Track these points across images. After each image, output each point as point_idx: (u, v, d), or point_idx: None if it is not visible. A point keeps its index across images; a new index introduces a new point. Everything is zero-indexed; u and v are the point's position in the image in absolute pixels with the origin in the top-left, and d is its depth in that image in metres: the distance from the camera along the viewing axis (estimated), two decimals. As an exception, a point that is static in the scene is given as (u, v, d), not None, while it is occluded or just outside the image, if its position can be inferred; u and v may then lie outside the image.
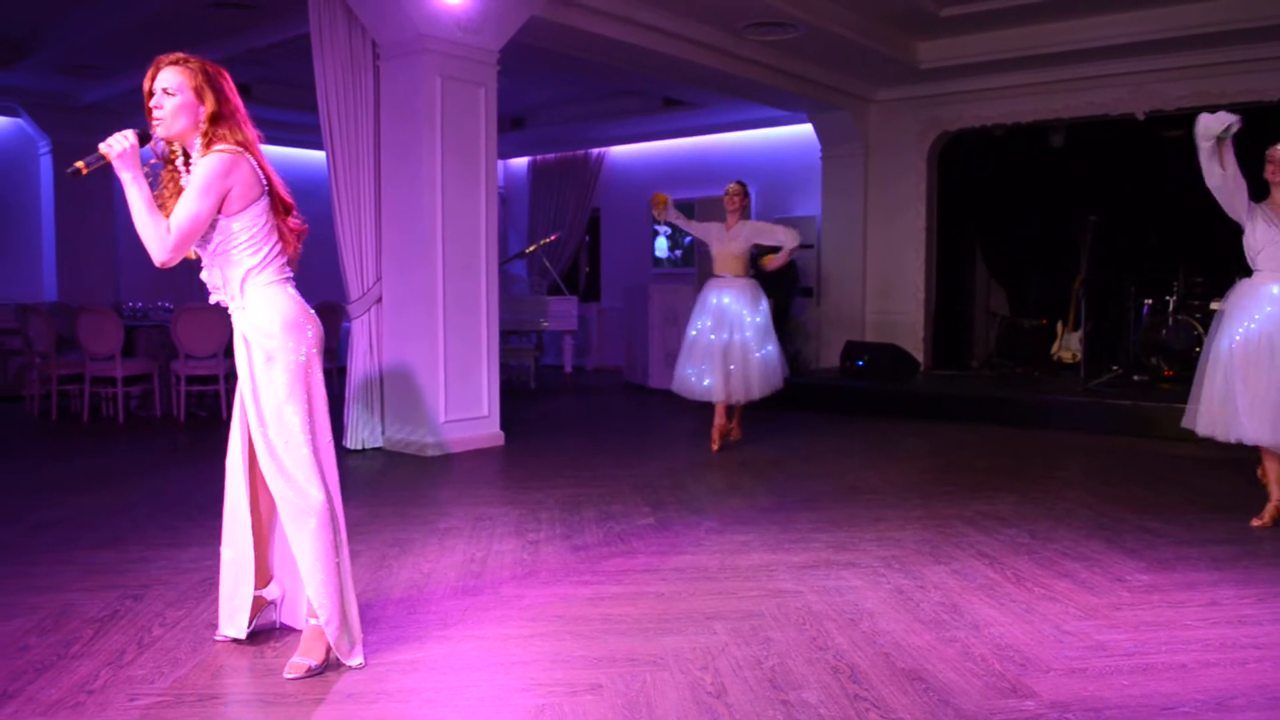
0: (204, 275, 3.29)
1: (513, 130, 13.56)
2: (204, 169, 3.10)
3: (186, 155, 3.22)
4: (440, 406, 7.25)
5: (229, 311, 3.32)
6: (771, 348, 7.57)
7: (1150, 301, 10.20)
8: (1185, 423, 5.59)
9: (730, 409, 7.65)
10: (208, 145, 3.16)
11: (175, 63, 3.20)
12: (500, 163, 15.35)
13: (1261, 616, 3.79)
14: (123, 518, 5.31)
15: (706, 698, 3.00)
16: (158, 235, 3.04)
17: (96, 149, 3.08)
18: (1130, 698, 3.02)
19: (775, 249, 7.56)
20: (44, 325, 9.15)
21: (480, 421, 7.54)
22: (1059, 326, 11.24)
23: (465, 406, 7.43)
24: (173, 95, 3.16)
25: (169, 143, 3.24)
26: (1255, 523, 5.29)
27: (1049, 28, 9.63)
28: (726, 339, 7.34)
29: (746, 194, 7.63)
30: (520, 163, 15.41)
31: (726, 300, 7.42)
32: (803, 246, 12.40)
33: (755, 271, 7.64)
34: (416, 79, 7.17)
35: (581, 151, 14.48)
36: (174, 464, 7.01)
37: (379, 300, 7.47)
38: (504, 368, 11.64)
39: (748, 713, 2.90)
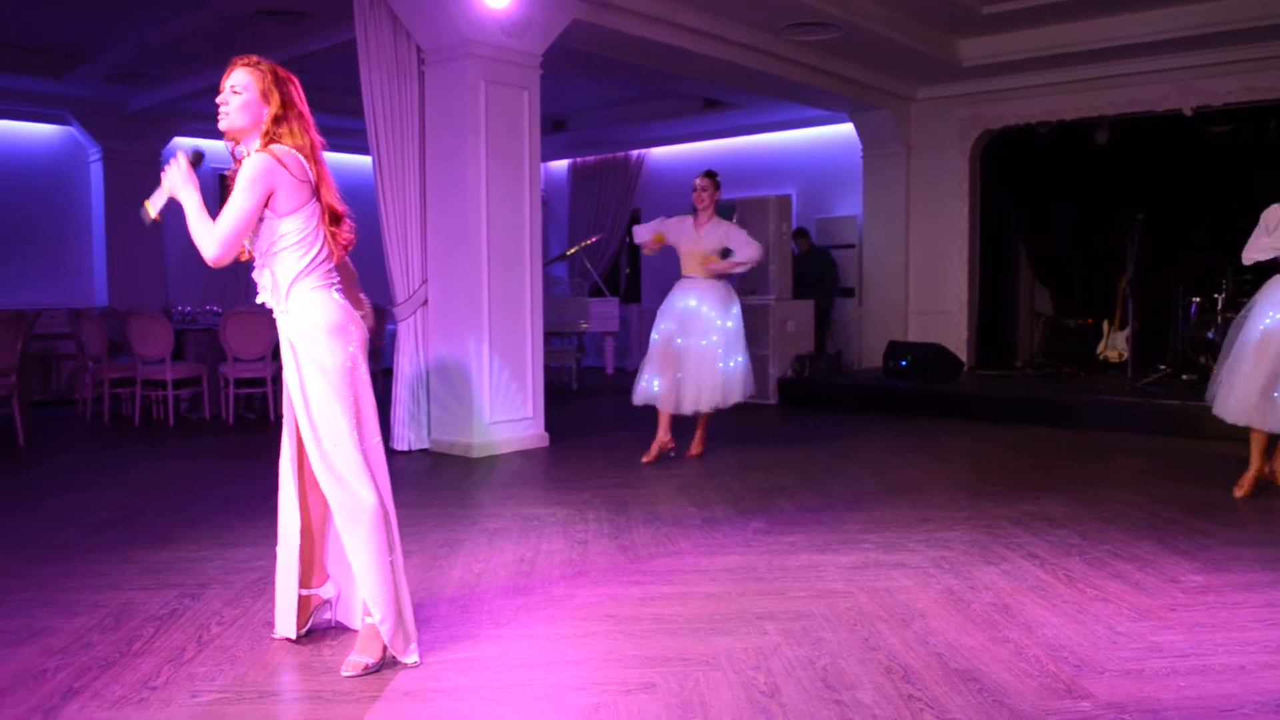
0: (255, 274, 3.38)
1: (553, 133, 13.62)
2: (248, 168, 3.21)
3: None
4: (486, 408, 7.31)
5: (274, 315, 3.38)
6: (740, 358, 6.98)
7: (1198, 300, 10.06)
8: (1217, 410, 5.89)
9: (692, 419, 7.20)
10: (265, 145, 3.28)
11: (248, 64, 3.37)
12: (541, 165, 15.40)
13: (1320, 618, 3.75)
14: (178, 518, 5.41)
15: (760, 697, 3.01)
16: (207, 233, 3.16)
17: (160, 185, 3.29)
18: (1188, 699, 3.00)
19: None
20: (96, 330, 9.31)
21: (525, 423, 7.59)
22: (1105, 326, 11.11)
23: (510, 408, 7.48)
24: (239, 94, 3.32)
25: (235, 141, 3.40)
26: (1238, 492, 5.81)
27: (1092, 24, 9.52)
28: (685, 344, 6.82)
29: (718, 187, 7.03)
30: (560, 165, 15.47)
31: (693, 303, 6.89)
32: (846, 246, 12.51)
33: None
34: (461, 83, 7.23)
35: (621, 153, 14.51)
36: (225, 465, 7.11)
37: (425, 303, 7.54)
38: (546, 369, 11.68)
39: (802, 712, 2.90)
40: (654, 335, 7.00)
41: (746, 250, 6.95)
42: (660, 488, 6.19)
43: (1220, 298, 9.78)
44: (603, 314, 12.08)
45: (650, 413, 7.13)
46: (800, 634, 3.56)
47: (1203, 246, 10.43)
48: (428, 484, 6.46)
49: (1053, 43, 9.83)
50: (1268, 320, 5.69)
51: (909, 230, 11.78)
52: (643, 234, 7.15)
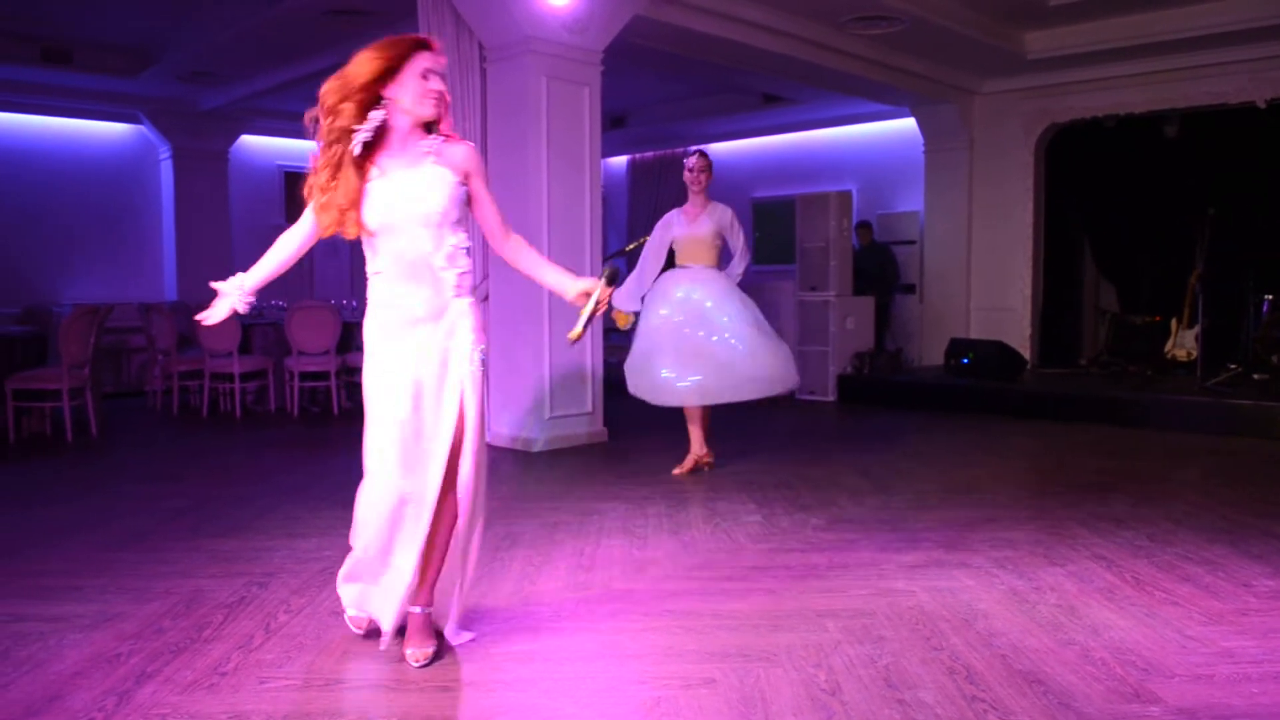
0: (406, 286, 3.22)
1: (613, 129, 13.64)
2: (479, 159, 3.33)
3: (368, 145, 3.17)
4: (546, 403, 7.35)
5: (416, 323, 3.21)
6: (764, 344, 6.10)
7: (1270, 297, 9.79)
8: None
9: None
10: (448, 136, 3.28)
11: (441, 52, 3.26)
12: (600, 161, 15.44)
13: (1400, 625, 3.64)
14: (245, 508, 5.52)
15: (821, 694, 3.00)
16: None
17: (580, 314, 3.28)
18: (1260, 706, 2.93)
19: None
20: (165, 324, 9.53)
21: (585, 418, 7.63)
22: (1173, 324, 10.85)
23: (570, 403, 7.52)
24: (444, 83, 3.23)
25: (428, 130, 3.25)
26: None
27: (1161, 14, 9.33)
28: (703, 337, 6.05)
29: (710, 169, 6.32)
30: (619, 161, 15.49)
31: (697, 295, 6.14)
32: (906, 242, 12.37)
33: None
34: (522, 80, 7.27)
35: (680, 149, 14.48)
36: (289, 457, 7.24)
37: (485, 298, 7.60)
38: (605, 364, 11.70)
39: (863, 711, 2.89)
40: (653, 322, 6.20)
41: (741, 264, 6.41)
42: (719, 484, 6.18)
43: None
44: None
45: (709, 407, 6.65)
46: (861, 632, 3.53)
47: (1275, 243, 10.16)
48: (489, 477, 6.50)
49: (1121, 34, 9.65)
50: None
51: (971, 225, 11.63)
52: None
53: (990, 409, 9.42)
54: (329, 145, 3.13)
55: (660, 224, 6.44)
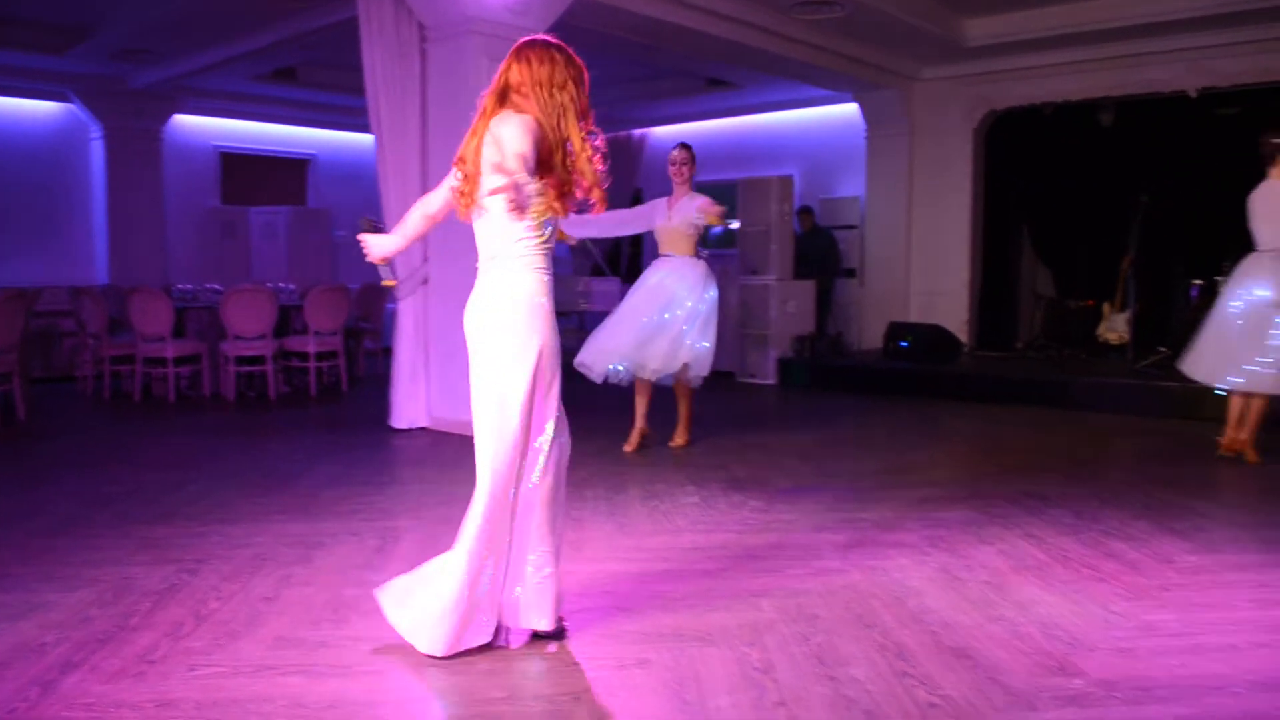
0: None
1: (555, 112, 13.56)
2: None
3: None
4: (485, 386, 7.31)
5: (540, 305, 3.23)
6: (703, 344, 6.51)
7: (1200, 283, 10.02)
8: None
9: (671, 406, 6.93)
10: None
11: None
12: (542, 144, 15.35)
13: (1314, 599, 3.76)
14: (177, 494, 5.43)
15: (754, 673, 3.03)
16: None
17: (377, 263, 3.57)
18: (1179, 678, 3.02)
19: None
20: (96, 307, 9.33)
21: (525, 401, 7.59)
22: (1105, 308, 11.09)
23: (511, 386, 7.47)
24: None
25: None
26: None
27: (1097, 4, 9.49)
28: (649, 321, 6.42)
29: (694, 161, 6.65)
30: (563, 144, 15.41)
31: (661, 278, 6.55)
32: (847, 226, 12.47)
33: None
34: (463, 61, 7.21)
35: (624, 132, 14.48)
36: (224, 443, 7.13)
37: (425, 281, 7.54)
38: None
39: (795, 688, 2.93)
40: (624, 306, 6.61)
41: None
42: (658, 466, 6.21)
43: (1222, 281, 9.76)
44: (604, 293, 12.09)
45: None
46: (795, 611, 3.58)
47: (1205, 229, 10.40)
48: (427, 461, 6.49)
49: (1058, 22, 9.79)
50: (1255, 293, 6.24)
51: (911, 211, 11.76)
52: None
53: (928, 392, 9.56)
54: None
55: (652, 204, 6.80)
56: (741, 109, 13.17)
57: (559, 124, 3.08)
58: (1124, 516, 4.95)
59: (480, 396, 3.22)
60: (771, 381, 10.44)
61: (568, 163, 3.14)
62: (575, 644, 3.28)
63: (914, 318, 11.40)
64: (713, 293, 6.62)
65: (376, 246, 3.46)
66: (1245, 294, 6.30)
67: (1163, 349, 10.03)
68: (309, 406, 8.94)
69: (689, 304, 6.44)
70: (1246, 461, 6.30)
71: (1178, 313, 10.31)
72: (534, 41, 3.18)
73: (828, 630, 3.39)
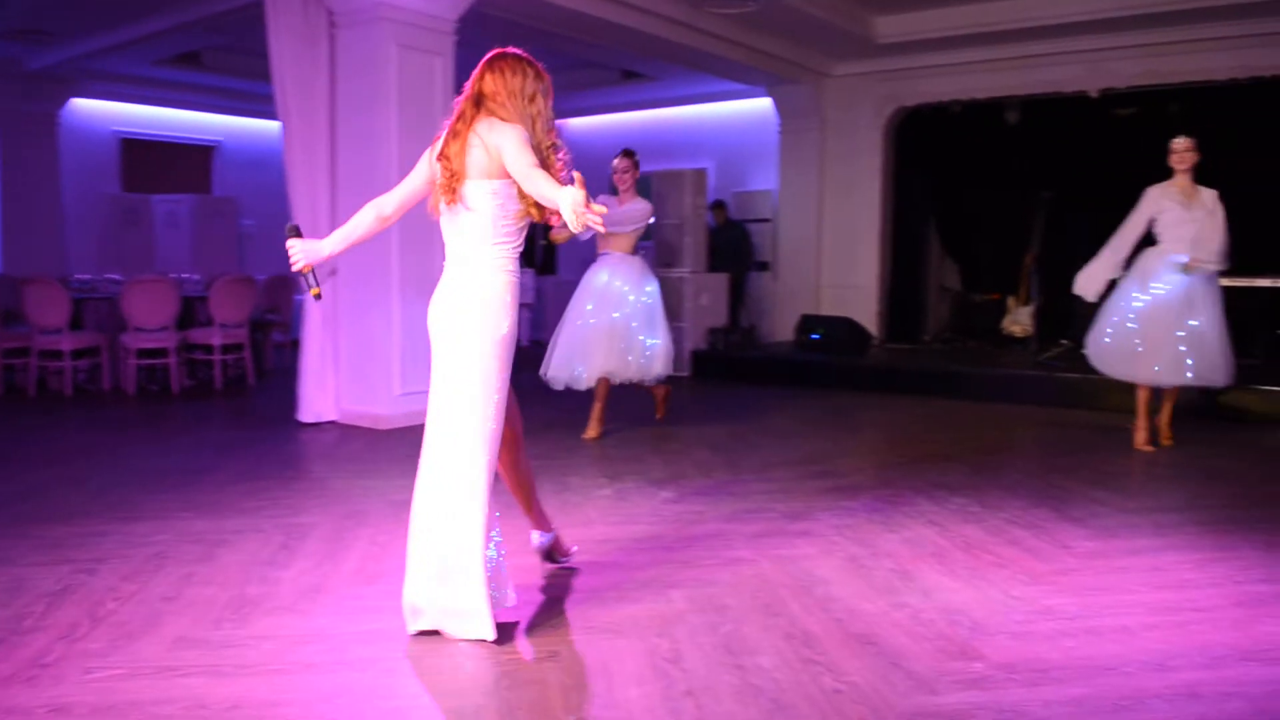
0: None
1: (469, 101, 13.43)
2: None
3: None
4: (396, 379, 7.23)
5: (517, 299, 3.46)
6: (654, 339, 6.88)
7: (1100, 277, 10.35)
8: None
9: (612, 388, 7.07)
10: None
11: None
12: (456, 134, 15.19)
13: (1202, 580, 3.92)
14: (75, 492, 5.26)
15: (663, 664, 3.05)
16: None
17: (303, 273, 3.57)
18: (1075, 659, 3.12)
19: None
20: (-11, 297, 8.99)
21: (437, 394, 7.52)
22: (1010, 301, 11.39)
23: (421, 379, 7.37)
24: None
25: None
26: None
27: (1005, 4, 9.72)
28: (597, 321, 6.73)
29: (637, 166, 6.93)
30: (476, 134, 15.28)
31: (605, 278, 6.83)
32: (761, 220, 12.60)
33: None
34: (372, 48, 7.10)
35: (539, 123, 14.37)
36: (125, 439, 6.93)
37: (333, 272, 7.42)
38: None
39: (703, 677, 2.95)
40: (573, 318, 6.86)
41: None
42: (571, 459, 6.20)
43: (1120, 276, 10.07)
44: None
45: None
46: (705, 601, 3.61)
47: (1106, 225, 10.72)
48: (335, 455, 6.39)
49: (966, 22, 10.01)
50: (1156, 289, 6.62)
51: (823, 205, 11.92)
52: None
53: (839, 383, 9.70)
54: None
55: (602, 200, 6.73)
56: (657, 101, 13.20)
57: (534, 131, 3.30)
58: (1025, 505, 5.10)
59: (481, 381, 3.36)
60: (686, 374, 10.50)
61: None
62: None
63: (825, 310, 11.56)
64: (653, 286, 6.98)
65: (307, 253, 3.45)
66: (1154, 290, 6.62)
67: (1064, 341, 10.35)
68: (214, 400, 8.73)
69: (631, 299, 6.79)
70: (1162, 444, 6.63)
71: (1079, 306, 10.62)
72: (505, 54, 3.40)
73: (736, 620, 3.43)
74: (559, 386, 6.84)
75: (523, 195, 3.27)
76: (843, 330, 10.54)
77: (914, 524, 4.72)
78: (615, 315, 6.76)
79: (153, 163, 13.36)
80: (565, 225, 3.20)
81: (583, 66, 12.20)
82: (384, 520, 4.71)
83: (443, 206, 3.35)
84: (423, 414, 7.49)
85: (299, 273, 3.49)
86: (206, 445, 6.62)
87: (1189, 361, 6.45)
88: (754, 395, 9.09)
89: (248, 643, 3.21)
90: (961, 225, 12.61)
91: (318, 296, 3.63)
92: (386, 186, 7.02)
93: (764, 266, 12.57)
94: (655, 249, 10.78)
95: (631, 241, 6.94)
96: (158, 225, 12.82)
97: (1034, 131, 11.35)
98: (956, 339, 11.53)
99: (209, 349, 9.22)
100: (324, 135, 7.33)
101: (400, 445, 6.63)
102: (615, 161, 6.91)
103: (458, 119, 3.34)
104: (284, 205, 7.29)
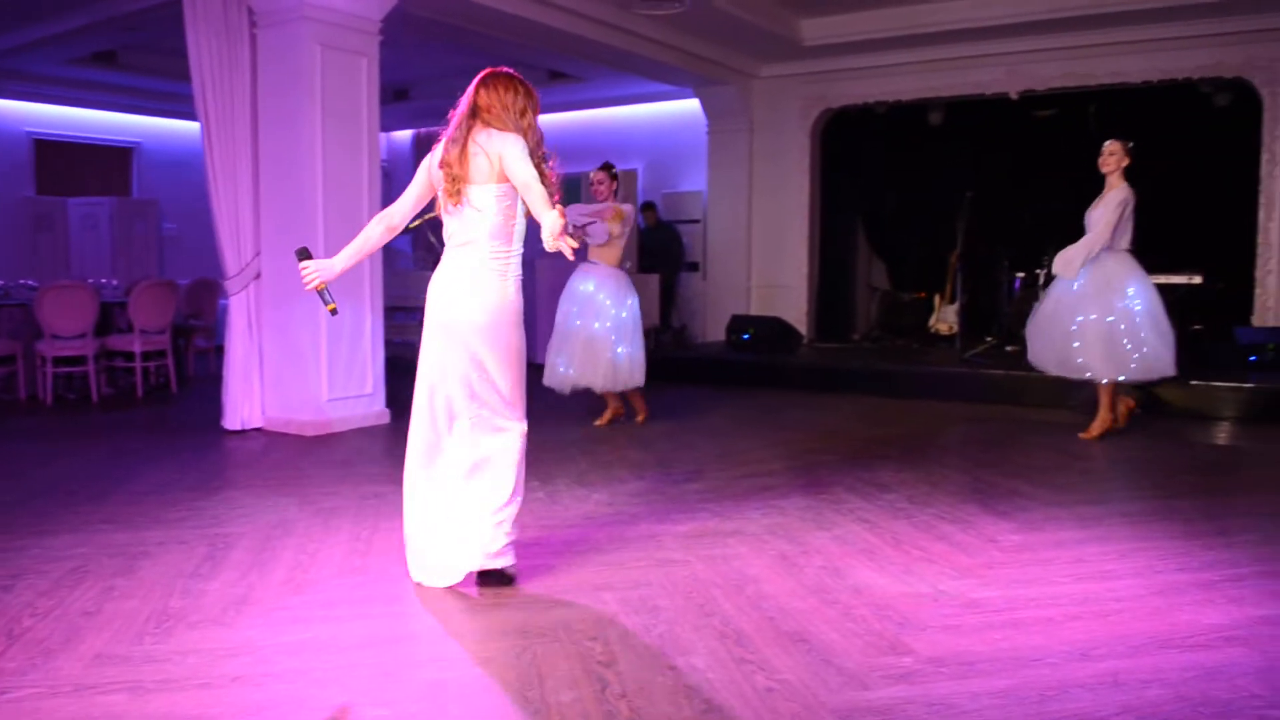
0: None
1: (395, 102, 13.31)
2: None
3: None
4: (323, 384, 7.13)
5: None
6: (629, 349, 7.20)
7: (1022, 275, 10.59)
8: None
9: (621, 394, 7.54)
10: None
11: None
12: (383, 135, 15.04)
13: (1123, 571, 4.02)
14: (-13, 505, 5.10)
15: (596, 666, 3.05)
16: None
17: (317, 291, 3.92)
18: (1001, 651, 3.18)
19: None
20: (-105, 305, 8.66)
21: (365, 399, 7.44)
22: (936, 300, 11.59)
23: (349, 384, 7.32)
24: None
25: None
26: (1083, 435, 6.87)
27: (928, 7, 9.89)
28: (581, 326, 7.11)
29: (615, 178, 7.22)
30: (404, 135, 15.15)
31: (591, 288, 7.18)
32: (691, 220, 12.65)
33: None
34: (295, 48, 6.99)
35: (467, 125, 14.28)
36: (42, 449, 6.73)
37: (258, 276, 7.29)
38: (389, 344, 11.43)
39: (637, 679, 2.95)
40: (558, 318, 7.28)
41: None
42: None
43: (1042, 273, 10.29)
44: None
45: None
46: (638, 603, 3.61)
47: (1027, 224, 10.97)
48: (261, 463, 6.27)
49: (890, 25, 10.16)
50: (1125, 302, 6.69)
51: (752, 206, 12.00)
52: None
53: (770, 383, 9.78)
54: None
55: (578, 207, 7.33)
56: (585, 103, 13.17)
57: (526, 143, 3.61)
58: (953, 500, 5.18)
59: (515, 362, 3.75)
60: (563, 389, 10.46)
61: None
62: (414, 647, 3.23)
63: (755, 311, 11.65)
64: (633, 300, 7.31)
65: (321, 272, 3.83)
66: (1105, 291, 6.68)
67: (989, 338, 10.56)
68: (135, 409, 8.51)
69: (613, 313, 7.16)
70: (1120, 426, 6.95)
71: (1002, 304, 10.85)
72: (497, 72, 3.75)
73: (669, 621, 3.44)
74: (564, 392, 7.27)
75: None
76: (773, 330, 10.62)
77: (845, 521, 4.77)
78: (596, 325, 7.12)
79: (68, 164, 13.00)
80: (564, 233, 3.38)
81: (510, 66, 12.11)
82: (312, 528, 4.64)
83: (449, 206, 3.64)
84: (354, 420, 7.47)
85: (314, 291, 3.84)
86: (127, 455, 6.46)
87: (1080, 360, 6.73)
88: (686, 395, 9.12)
89: (171, 657, 3.14)
90: (888, 225, 12.80)
91: (334, 312, 3.90)
92: (312, 189, 7.00)
93: (694, 267, 12.63)
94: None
95: (617, 254, 7.25)
96: (74, 229, 12.46)
97: (957, 133, 11.56)
98: (885, 337, 11.70)
99: (130, 356, 8.99)
100: (246, 136, 7.19)
101: (329, 452, 6.54)
102: (591, 174, 7.18)
103: (456, 128, 3.66)
104: (207, 207, 7.15)
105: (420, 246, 13.63)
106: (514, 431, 3.73)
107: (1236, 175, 9.78)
